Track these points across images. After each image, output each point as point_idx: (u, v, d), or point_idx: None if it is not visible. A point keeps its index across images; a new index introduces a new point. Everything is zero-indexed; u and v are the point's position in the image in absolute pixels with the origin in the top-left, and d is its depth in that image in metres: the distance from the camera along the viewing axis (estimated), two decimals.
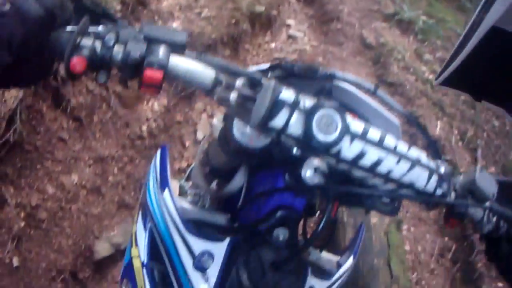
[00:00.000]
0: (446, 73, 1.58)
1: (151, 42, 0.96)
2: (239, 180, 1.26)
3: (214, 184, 1.39)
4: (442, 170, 1.12)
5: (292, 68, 1.17)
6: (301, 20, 6.96)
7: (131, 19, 4.48)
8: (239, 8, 5.49)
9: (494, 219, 1.12)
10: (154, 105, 4.44)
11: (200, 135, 4.56)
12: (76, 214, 3.31)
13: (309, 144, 0.99)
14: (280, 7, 6.62)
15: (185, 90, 4.61)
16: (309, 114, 0.99)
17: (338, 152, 1.02)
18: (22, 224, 2.99)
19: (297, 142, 1.01)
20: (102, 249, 3.29)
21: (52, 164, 3.26)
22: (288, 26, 6.54)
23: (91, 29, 0.97)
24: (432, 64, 6.79)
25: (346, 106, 1.27)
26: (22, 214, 3.01)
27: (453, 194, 1.12)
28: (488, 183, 1.14)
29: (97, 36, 0.94)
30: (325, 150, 1.00)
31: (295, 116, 0.99)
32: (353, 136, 1.02)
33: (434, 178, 1.09)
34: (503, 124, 6.88)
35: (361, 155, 1.03)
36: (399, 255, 4.30)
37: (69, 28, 0.95)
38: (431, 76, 6.47)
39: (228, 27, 5.19)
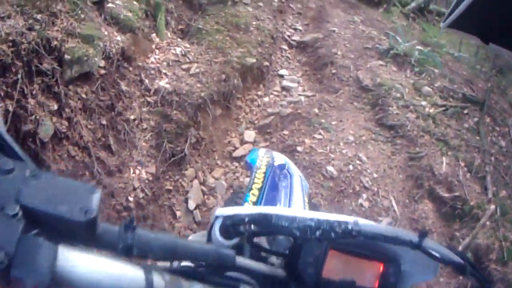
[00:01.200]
0: (453, 16, 1.50)
1: (34, 218, 0.64)
2: None
3: None
4: None
5: (281, 226, 0.86)
6: (295, 68, 6.91)
7: (115, 77, 4.42)
8: (230, 61, 5.44)
9: None
10: (141, 173, 4.28)
11: (191, 204, 4.42)
12: None
13: None
14: (273, 56, 6.58)
15: (175, 155, 4.53)
16: None
17: None
18: None
19: None
20: None
21: None
22: (281, 76, 6.49)
23: None
24: (431, 97, 6.66)
25: (370, 246, 0.96)
26: None
27: None
28: None
29: None
30: None
31: None
32: None
33: None
34: (510, 141, 6.75)
35: None
36: None
37: None
38: (432, 110, 6.34)
39: (219, 83, 5.13)
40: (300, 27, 8.18)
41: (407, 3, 12.49)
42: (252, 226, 0.88)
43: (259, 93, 5.96)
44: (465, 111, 6.78)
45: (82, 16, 4.26)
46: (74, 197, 0.65)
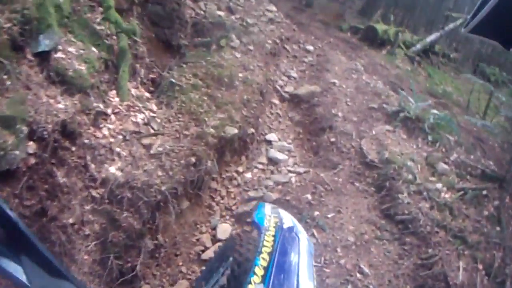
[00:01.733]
0: (474, 21, 1.47)
1: None
2: None
3: None
4: None
5: None
6: (286, 129, 5.78)
7: (49, 167, 3.29)
8: (204, 134, 4.26)
9: None
10: None
11: None
12: None
13: None
14: (260, 119, 5.44)
15: (126, 274, 3.38)
16: None
17: None
18: None
19: None
20: None
21: None
22: (269, 142, 5.34)
23: None
24: (448, 175, 5.58)
25: None
26: None
27: None
28: None
29: None
30: None
31: None
32: None
33: None
34: None
35: None
36: None
37: None
38: (448, 196, 5.25)
39: (186, 169, 3.93)
40: (294, 74, 7.08)
41: (412, 44, 11.58)
42: None
43: (240, 168, 4.81)
44: (484, 192, 5.72)
45: (8, 82, 3.19)
46: None
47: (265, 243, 2.15)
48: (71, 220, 3.30)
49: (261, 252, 2.09)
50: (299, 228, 2.39)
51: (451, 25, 12.44)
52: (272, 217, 2.38)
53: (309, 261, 2.19)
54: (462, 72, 12.61)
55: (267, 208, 2.53)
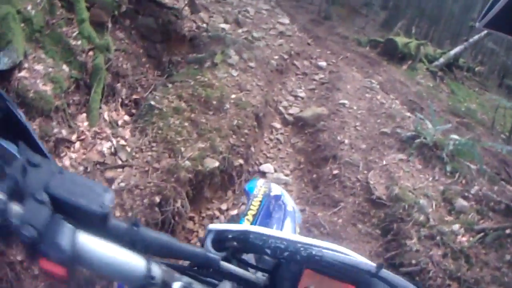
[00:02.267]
0: (490, 15, 1.44)
1: (58, 206, 0.74)
2: None
3: None
4: None
5: (255, 244, 0.91)
6: (286, 158, 5.18)
7: None
8: (177, 168, 3.68)
9: None
10: None
11: None
12: None
13: None
14: (253, 147, 4.84)
15: None
16: None
17: None
18: None
19: None
20: None
21: None
22: (263, 174, 4.75)
23: None
24: (467, 213, 4.90)
25: (344, 270, 0.90)
26: None
27: None
28: None
29: None
30: None
31: None
32: None
33: None
34: None
35: None
36: None
37: None
38: (465, 239, 4.59)
39: (149, 210, 3.37)
40: (302, 94, 6.49)
41: (434, 58, 10.89)
42: (234, 243, 0.93)
43: (224, 205, 4.22)
44: (508, 231, 5.03)
45: None
46: (92, 193, 0.78)
47: (251, 207, 2.23)
48: (19, 258, 2.93)
49: (246, 215, 2.17)
50: (287, 197, 2.43)
51: (476, 37, 11.71)
52: (262, 187, 2.43)
53: (294, 229, 2.21)
54: (487, 87, 11.96)
55: (260, 181, 2.55)
